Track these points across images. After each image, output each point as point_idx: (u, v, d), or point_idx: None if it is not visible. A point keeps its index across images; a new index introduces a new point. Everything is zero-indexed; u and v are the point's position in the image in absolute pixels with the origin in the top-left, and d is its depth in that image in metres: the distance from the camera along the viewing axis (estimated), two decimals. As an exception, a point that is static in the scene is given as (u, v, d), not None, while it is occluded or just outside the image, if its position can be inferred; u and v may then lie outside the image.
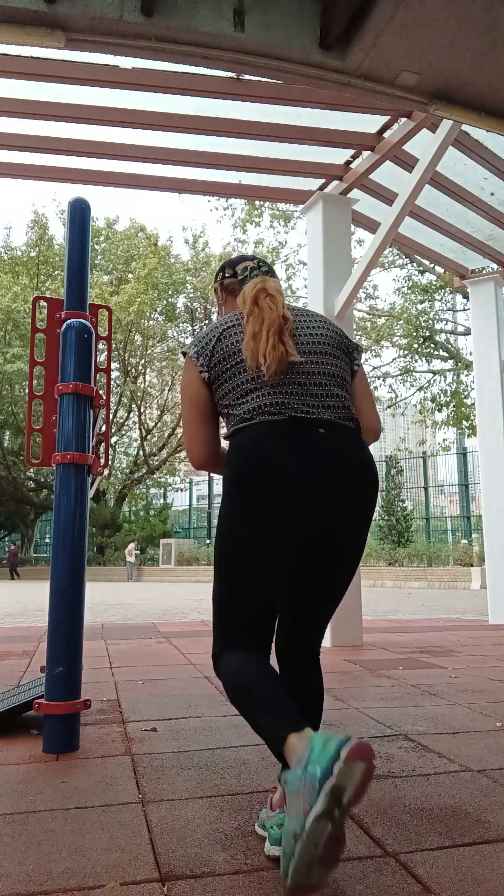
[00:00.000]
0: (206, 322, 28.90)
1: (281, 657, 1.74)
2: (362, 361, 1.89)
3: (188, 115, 4.50)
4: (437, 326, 19.98)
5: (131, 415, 30.93)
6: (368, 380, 1.94)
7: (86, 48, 2.72)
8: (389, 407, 21.16)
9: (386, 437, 48.50)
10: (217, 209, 29.21)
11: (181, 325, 29.62)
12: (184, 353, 1.83)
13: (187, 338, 29.77)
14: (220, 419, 1.80)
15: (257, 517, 1.57)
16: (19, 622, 8.21)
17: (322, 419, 1.62)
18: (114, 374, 27.63)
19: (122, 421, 30.37)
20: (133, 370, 29.60)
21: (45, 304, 2.94)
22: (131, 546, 25.71)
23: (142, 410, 30.43)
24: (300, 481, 1.54)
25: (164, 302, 28.66)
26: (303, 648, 1.73)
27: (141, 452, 30.54)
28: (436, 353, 20.13)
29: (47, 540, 33.05)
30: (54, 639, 2.48)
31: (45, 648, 2.52)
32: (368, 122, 4.81)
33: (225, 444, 1.77)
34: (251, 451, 1.59)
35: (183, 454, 30.13)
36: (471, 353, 10.58)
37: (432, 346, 19.92)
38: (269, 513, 1.55)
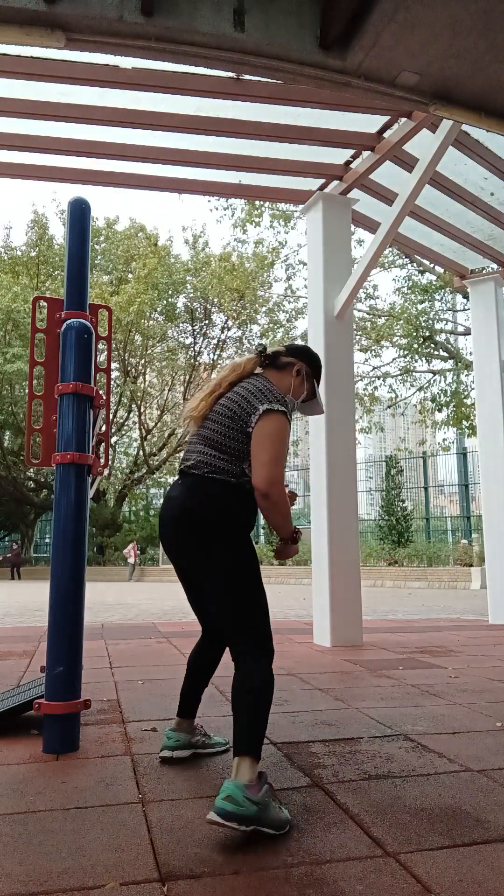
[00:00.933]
0: (206, 322, 28.87)
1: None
2: (263, 418, 2.02)
3: (188, 115, 4.50)
4: (437, 326, 19.95)
5: (131, 415, 30.88)
6: (268, 433, 2.01)
7: (86, 48, 2.72)
8: (389, 407, 21.14)
9: (386, 437, 48.52)
10: (217, 209, 29.09)
11: (181, 325, 29.54)
12: None
13: (187, 338, 29.72)
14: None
15: None
16: (19, 622, 8.20)
17: (184, 471, 2.13)
18: (114, 374, 27.60)
19: (122, 421, 30.32)
20: (133, 370, 29.54)
21: (45, 304, 2.94)
22: (130, 546, 25.70)
23: (142, 410, 30.38)
24: (160, 519, 2.19)
25: (164, 302, 28.56)
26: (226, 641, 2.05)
27: (141, 452, 30.49)
28: (436, 353, 20.09)
29: (47, 540, 33.01)
30: (54, 639, 2.48)
31: (45, 648, 2.52)
32: (368, 122, 4.81)
33: None
34: None
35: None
36: (471, 353, 10.58)
37: (432, 346, 19.89)
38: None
